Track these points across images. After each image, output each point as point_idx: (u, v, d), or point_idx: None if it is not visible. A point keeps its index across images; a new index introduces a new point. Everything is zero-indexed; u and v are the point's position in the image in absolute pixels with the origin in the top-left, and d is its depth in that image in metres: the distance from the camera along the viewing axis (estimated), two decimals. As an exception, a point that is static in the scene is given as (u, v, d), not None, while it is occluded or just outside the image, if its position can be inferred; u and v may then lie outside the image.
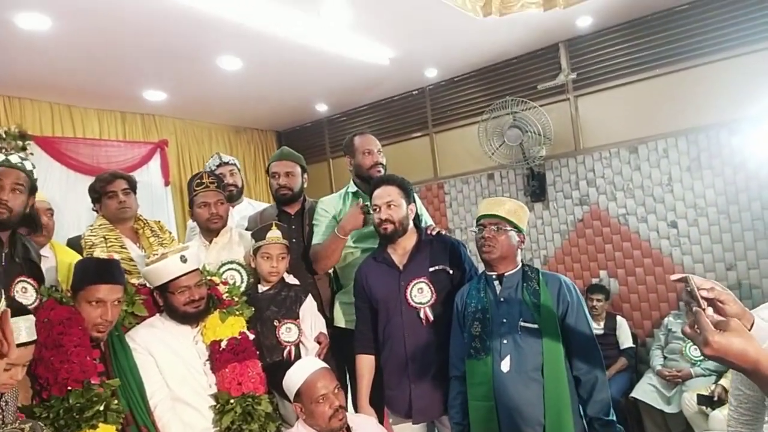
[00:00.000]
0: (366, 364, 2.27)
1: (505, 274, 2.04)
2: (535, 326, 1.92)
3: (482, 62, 4.83)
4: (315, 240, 2.61)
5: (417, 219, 2.39)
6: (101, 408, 1.69)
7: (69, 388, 1.68)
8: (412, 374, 2.16)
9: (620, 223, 4.27)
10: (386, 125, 5.56)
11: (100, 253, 2.51)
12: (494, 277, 2.05)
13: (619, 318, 4.12)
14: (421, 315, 2.17)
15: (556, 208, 4.57)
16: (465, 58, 4.70)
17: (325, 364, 2.03)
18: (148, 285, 2.22)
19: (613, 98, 4.34)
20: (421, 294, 2.18)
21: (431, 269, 2.21)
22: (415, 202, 2.35)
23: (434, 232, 2.35)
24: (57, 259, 2.32)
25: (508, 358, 1.91)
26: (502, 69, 4.83)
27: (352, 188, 2.69)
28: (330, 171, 6.07)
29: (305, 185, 2.80)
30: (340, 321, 2.61)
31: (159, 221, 2.87)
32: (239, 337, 2.17)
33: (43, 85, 4.20)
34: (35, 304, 1.89)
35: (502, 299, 2.01)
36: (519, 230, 2.04)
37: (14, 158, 1.89)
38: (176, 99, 4.85)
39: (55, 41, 3.46)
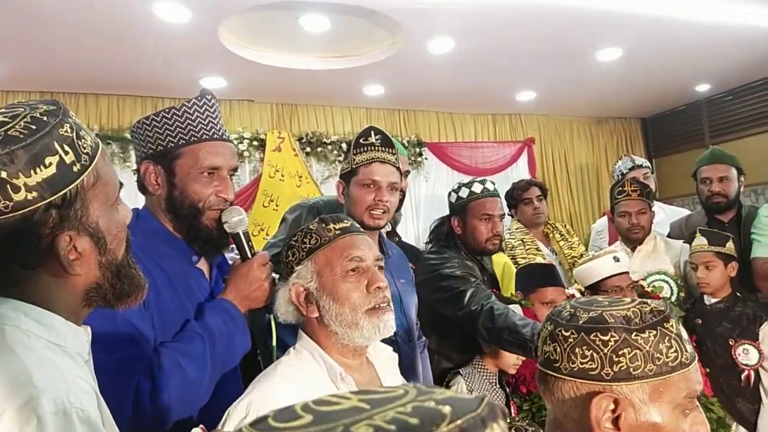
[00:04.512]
0: None
1: None
2: None
3: None
4: (759, 253, 2.26)
5: None
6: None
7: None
8: None
9: None
10: (792, 101, 4.55)
11: (519, 254, 2.72)
12: None
13: None
14: None
15: None
16: None
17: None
18: (573, 291, 2.28)
19: None
20: None
21: None
22: None
23: None
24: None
25: None
26: None
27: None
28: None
29: (742, 189, 2.45)
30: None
31: (566, 225, 2.95)
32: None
33: (433, 97, 4.81)
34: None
35: None
36: None
37: (489, 185, 2.07)
38: (544, 97, 4.95)
39: (450, 60, 3.91)
